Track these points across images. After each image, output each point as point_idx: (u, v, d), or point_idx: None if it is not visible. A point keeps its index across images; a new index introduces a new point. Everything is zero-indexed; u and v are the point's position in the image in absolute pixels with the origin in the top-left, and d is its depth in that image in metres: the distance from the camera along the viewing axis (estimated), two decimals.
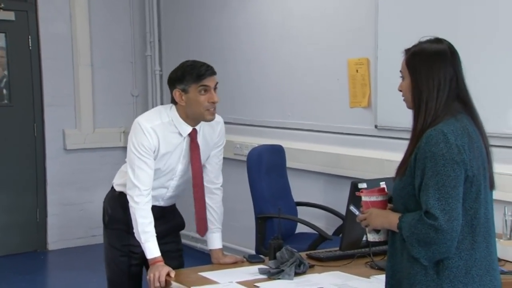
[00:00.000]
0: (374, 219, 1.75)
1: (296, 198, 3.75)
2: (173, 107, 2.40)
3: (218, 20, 4.79)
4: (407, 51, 1.75)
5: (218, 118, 2.48)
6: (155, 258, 2.32)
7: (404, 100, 1.76)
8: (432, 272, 1.63)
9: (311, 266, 2.36)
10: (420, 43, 1.75)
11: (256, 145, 3.79)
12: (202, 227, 2.53)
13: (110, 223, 2.56)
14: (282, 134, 4.25)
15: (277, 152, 3.73)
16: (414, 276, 1.65)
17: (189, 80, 2.32)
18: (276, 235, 2.43)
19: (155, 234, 2.35)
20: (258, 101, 4.50)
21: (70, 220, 5.28)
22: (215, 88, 2.36)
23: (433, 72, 1.68)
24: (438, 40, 1.75)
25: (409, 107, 1.74)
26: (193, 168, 2.43)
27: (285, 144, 3.90)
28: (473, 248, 1.64)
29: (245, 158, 3.60)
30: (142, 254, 2.38)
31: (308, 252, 2.58)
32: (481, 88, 3.13)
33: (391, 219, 1.69)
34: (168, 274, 2.27)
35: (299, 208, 3.73)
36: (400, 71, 1.76)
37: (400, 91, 1.76)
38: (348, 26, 3.77)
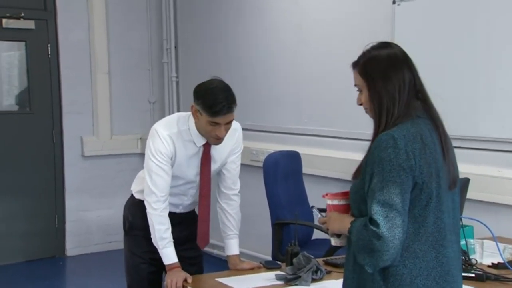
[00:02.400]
0: (332, 223, 1.72)
1: (313, 204, 3.73)
2: (191, 115, 2.41)
3: (235, 26, 4.82)
4: (356, 63, 1.70)
5: (236, 125, 2.48)
6: (172, 264, 2.34)
7: (367, 111, 1.70)
8: (379, 279, 1.59)
9: (328, 273, 2.36)
10: (368, 51, 1.70)
11: (273, 151, 3.79)
12: (203, 241, 2.53)
13: (130, 230, 2.58)
14: (299, 140, 4.25)
15: (294, 158, 3.72)
16: (364, 283, 1.62)
17: (203, 109, 2.27)
18: (293, 241, 2.42)
19: (172, 240, 2.36)
20: (275, 107, 4.50)
21: (88, 226, 5.32)
22: (228, 123, 2.30)
23: (390, 76, 1.64)
24: (386, 45, 1.71)
25: (372, 117, 1.69)
26: (201, 180, 2.44)
27: (301, 150, 3.89)
28: (418, 257, 1.58)
29: (261, 164, 3.60)
30: (161, 260, 2.39)
31: (325, 258, 2.57)
32: (495, 94, 3.11)
33: (345, 223, 1.64)
34: (185, 280, 2.28)
35: (315, 215, 3.71)
36: (355, 85, 1.71)
37: (360, 104, 1.70)
38: (366, 32, 3.76)
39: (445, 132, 1.69)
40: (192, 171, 2.43)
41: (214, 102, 2.24)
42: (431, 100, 1.70)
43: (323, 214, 1.80)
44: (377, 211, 1.54)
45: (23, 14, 4.97)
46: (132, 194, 2.61)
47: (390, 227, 1.53)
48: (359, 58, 1.71)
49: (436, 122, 1.67)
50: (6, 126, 4.98)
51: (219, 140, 2.34)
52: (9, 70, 5.25)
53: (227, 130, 2.32)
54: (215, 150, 2.44)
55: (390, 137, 1.58)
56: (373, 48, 1.71)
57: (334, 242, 1.75)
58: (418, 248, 1.58)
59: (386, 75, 1.64)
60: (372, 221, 1.54)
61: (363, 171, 1.63)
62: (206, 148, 2.41)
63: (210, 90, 2.27)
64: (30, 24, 5.02)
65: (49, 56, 5.14)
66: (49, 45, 5.12)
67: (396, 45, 1.72)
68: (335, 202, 1.74)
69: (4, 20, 4.92)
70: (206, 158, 2.42)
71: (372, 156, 1.60)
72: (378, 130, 1.65)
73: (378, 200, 1.55)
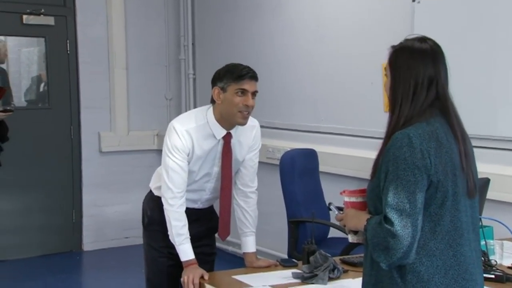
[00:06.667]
0: (349, 220, 1.73)
1: (330, 201, 3.71)
2: (210, 108, 2.42)
3: (252, 24, 4.81)
4: (393, 47, 1.70)
5: (254, 122, 2.49)
6: (189, 260, 2.35)
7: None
8: (396, 276, 1.60)
9: (345, 271, 2.35)
10: (405, 40, 1.70)
11: (289, 149, 3.78)
12: (225, 232, 2.54)
13: (149, 225, 2.59)
14: (315, 138, 4.24)
15: (310, 156, 3.71)
16: (381, 279, 1.63)
17: (229, 78, 2.34)
18: (310, 239, 2.42)
19: (189, 237, 2.37)
20: (291, 105, 4.49)
21: (105, 222, 5.36)
22: (253, 95, 2.36)
23: (411, 72, 1.63)
24: (422, 39, 1.69)
25: (388, 108, 1.69)
26: (222, 171, 2.44)
27: (318, 148, 3.88)
28: (435, 255, 1.58)
29: (277, 162, 3.60)
30: None
31: (341, 257, 2.56)
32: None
33: (361, 220, 1.66)
34: (202, 277, 2.29)
35: (331, 212, 3.70)
36: (385, 68, 1.71)
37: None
38: (384, 30, 3.73)
39: (464, 136, 1.67)
40: (209, 164, 2.43)
41: (238, 69, 2.34)
42: (453, 102, 1.68)
43: (341, 212, 1.80)
44: (391, 210, 1.55)
45: (43, 10, 5.01)
46: (150, 190, 2.62)
47: (404, 225, 1.54)
48: (397, 44, 1.71)
49: (452, 125, 1.65)
50: (25, 121, 5.02)
51: (247, 114, 2.34)
52: (28, 65, 5.31)
53: (253, 104, 2.35)
54: (234, 147, 2.44)
55: (405, 135, 1.58)
56: (409, 39, 1.70)
57: (351, 239, 1.76)
58: (435, 247, 1.59)
59: (408, 70, 1.63)
60: (387, 219, 1.56)
61: (378, 169, 1.63)
62: (227, 139, 2.41)
63: (230, 64, 2.40)
64: (49, 20, 5.06)
65: (68, 52, 5.18)
66: (68, 41, 5.16)
67: (432, 42, 1.69)
68: (353, 199, 1.76)
69: (24, 16, 4.97)
70: (227, 150, 2.42)
71: (387, 154, 1.60)
72: (390, 126, 1.65)
73: (392, 198, 1.56)
